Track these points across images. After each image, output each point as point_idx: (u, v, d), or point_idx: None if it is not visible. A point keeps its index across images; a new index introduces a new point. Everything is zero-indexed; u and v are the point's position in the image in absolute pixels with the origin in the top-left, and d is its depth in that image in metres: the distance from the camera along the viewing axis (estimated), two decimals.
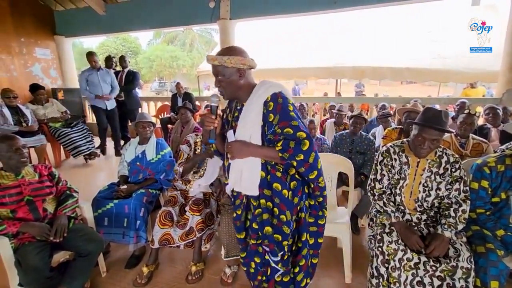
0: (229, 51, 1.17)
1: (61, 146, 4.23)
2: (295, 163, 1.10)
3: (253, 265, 1.37)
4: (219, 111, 1.33)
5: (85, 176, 3.92)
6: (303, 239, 1.27)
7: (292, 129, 1.10)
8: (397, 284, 1.35)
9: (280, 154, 1.10)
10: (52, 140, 4.16)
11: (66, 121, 4.26)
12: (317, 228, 1.32)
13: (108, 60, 5.24)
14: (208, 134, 1.26)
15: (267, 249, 1.28)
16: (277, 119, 1.12)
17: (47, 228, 1.53)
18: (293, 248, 1.31)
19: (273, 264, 1.29)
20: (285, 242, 1.23)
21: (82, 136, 4.25)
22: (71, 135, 4.11)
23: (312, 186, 1.23)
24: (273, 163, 1.19)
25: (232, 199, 1.38)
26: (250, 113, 1.17)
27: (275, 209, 1.21)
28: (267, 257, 1.31)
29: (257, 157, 1.18)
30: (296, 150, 1.08)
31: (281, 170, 1.19)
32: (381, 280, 1.40)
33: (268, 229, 1.22)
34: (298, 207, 1.23)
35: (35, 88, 4.15)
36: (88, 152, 4.27)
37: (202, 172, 2.13)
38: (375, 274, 1.43)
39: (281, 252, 1.25)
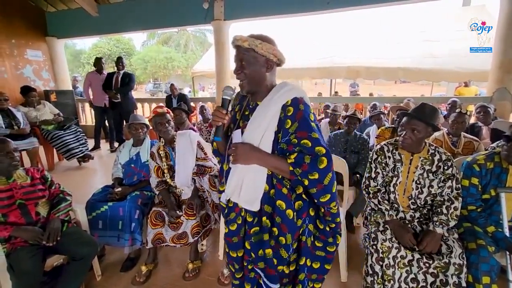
0: (262, 37, 1.01)
1: (54, 149, 4.17)
2: (306, 182, 0.94)
3: None
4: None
5: (79, 179, 3.88)
6: (301, 263, 1.12)
7: (312, 142, 0.94)
8: (392, 282, 1.37)
9: (291, 168, 0.95)
10: (44, 143, 4.10)
11: (59, 124, 4.21)
12: (325, 254, 1.14)
13: (98, 61, 5.18)
14: (215, 131, 1.09)
15: (261, 273, 1.12)
16: (295, 127, 0.97)
17: (40, 232, 1.51)
18: (291, 269, 1.16)
19: None
20: (280, 267, 1.09)
21: (75, 138, 4.20)
22: (64, 138, 4.06)
23: (322, 210, 1.07)
24: (280, 177, 1.03)
25: (226, 211, 1.20)
26: (265, 115, 1.01)
27: (274, 229, 1.05)
28: (260, 281, 1.15)
29: (263, 167, 1.02)
30: (312, 167, 0.92)
31: (288, 187, 1.03)
32: (376, 277, 1.42)
33: (268, 251, 1.07)
34: (301, 230, 1.08)
35: (26, 90, 4.09)
36: (81, 155, 4.22)
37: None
38: (370, 272, 1.44)
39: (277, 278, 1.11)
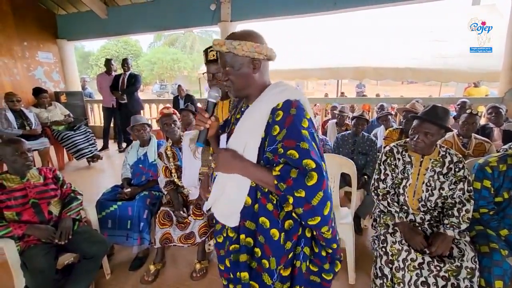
0: (242, 35, 0.89)
1: (64, 149, 4.26)
2: (291, 200, 0.81)
3: None
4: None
5: (88, 179, 3.94)
6: None
7: (299, 153, 0.80)
8: (401, 285, 1.36)
9: (276, 182, 0.81)
10: (55, 143, 4.18)
11: (69, 124, 4.30)
12: (321, 281, 0.98)
13: (108, 63, 5.28)
14: (198, 136, 0.98)
15: None
16: (283, 135, 0.83)
17: (52, 230, 1.54)
18: None
19: None
20: None
21: (85, 139, 4.28)
22: (74, 138, 4.14)
23: (315, 233, 0.93)
24: (266, 190, 0.89)
25: (214, 221, 1.14)
26: (252, 119, 0.90)
27: (257, 249, 0.92)
28: None
29: (246, 177, 0.90)
30: (298, 182, 0.78)
31: (275, 202, 0.89)
32: (385, 280, 1.40)
33: (244, 275, 0.93)
34: (291, 254, 0.93)
35: (38, 91, 4.19)
36: (91, 155, 4.30)
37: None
38: (379, 274, 1.43)
39: None
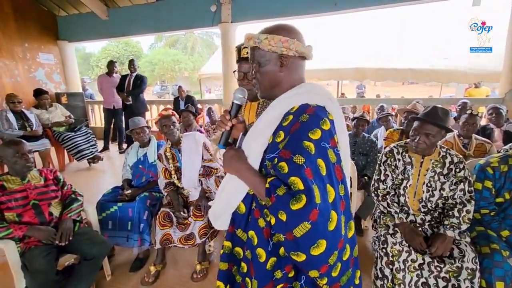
0: (272, 28, 0.80)
1: (65, 150, 4.26)
2: (273, 220, 0.69)
3: None
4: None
5: (88, 180, 3.94)
6: None
7: (289, 167, 0.68)
8: (402, 286, 1.35)
9: (265, 196, 0.72)
10: (56, 144, 4.19)
11: (70, 125, 4.30)
12: None
13: (110, 64, 5.29)
14: (220, 137, 0.91)
15: None
16: (285, 143, 0.73)
17: (53, 231, 1.55)
18: None
19: None
20: None
21: (85, 140, 4.29)
22: (75, 139, 4.15)
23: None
24: (262, 202, 0.79)
25: None
26: (264, 120, 0.82)
27: (243, 264, 0.85)
28: None
29: (243, 181, 0.81)
30: (280, 202, 0.67)
31: (268, 219, 0.78)
32: (385, 281, 1.40)
33: (219, 284, 0.90)
34: (282, 285, 0.79)
35: (39, 92, 4.20)
36: (91, 156, 4.31)
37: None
38: (380, 275, 1.42)
39: None
